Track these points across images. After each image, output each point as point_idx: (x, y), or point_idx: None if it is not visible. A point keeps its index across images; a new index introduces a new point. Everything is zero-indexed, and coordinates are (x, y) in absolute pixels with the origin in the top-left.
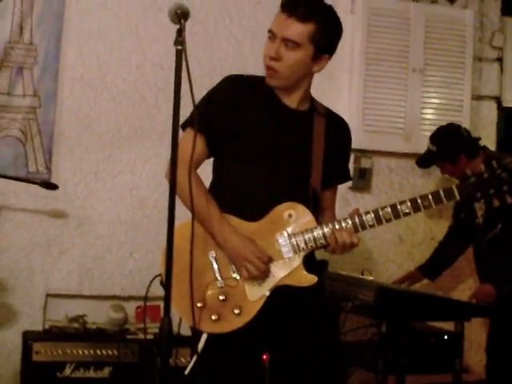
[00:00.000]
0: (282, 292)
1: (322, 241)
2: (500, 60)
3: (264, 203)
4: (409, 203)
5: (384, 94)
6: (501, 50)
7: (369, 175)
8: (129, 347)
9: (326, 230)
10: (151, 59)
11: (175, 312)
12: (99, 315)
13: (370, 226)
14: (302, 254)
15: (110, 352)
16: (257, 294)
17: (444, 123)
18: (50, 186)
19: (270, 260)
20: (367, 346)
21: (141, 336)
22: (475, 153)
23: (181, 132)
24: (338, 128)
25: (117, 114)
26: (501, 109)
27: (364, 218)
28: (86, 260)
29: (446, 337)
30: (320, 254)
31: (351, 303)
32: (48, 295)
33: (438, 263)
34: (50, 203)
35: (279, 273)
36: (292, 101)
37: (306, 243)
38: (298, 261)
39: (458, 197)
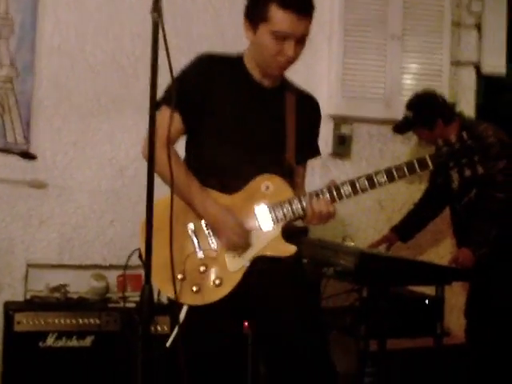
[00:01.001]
0: (261, 262)
1: (300, 211)
2: (478, 26)
3: (240, 177)
4: (384, 173)
5: (363, 61)
6: (479, 15)
7: (349, 142)
8: (111, 316)
9: (303, 200)
10: (129, 28)
11: (154, 284)
12: (81, 284)
13: (347, 197)
14: (281, 224)
15: (91, 321)
16: (237, 265)
17: (423, 88)
18: (29, 156)
19: (249, 229)
20: (348, 311)
21: (123, 305)
22: (451, 118)
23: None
24: (307, 105)
25: (95, 84)
26: (479, 75)
27: (341, 189)
28: (67, 230)
29: (426, 301)
30: (300, 221)
31: (332, 269)
32: (29, 265)
33: (411, 225)
34: (29, 173)
35: (258, 244)
36: (267, 80)
37: (284, 214)
38: (276, 231)
39: (431, 166)
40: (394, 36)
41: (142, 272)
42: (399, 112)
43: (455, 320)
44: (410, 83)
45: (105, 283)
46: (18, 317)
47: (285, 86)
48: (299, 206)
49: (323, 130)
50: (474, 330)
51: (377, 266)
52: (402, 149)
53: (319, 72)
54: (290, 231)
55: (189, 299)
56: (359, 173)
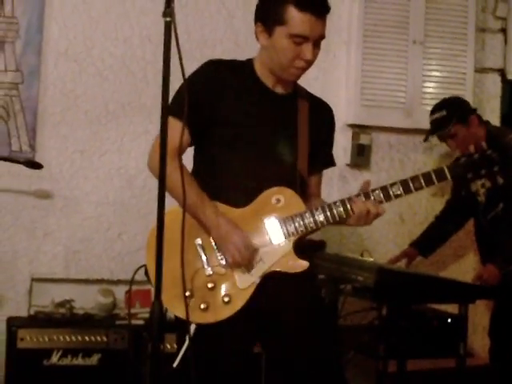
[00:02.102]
0: (272, 279)
1: (313, 225)
2: (504, 31)
3: (251, 189)
4: (400, 185)
5: (383, 68)
6: (504, 20)
7: (368, 152)
8: (118, 333)
9: (316, 214)
10: (139, 32)
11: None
12: (87, 300)
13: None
14: (293, 239)
15: (98, 338)
16: (247, 282)
17: (446, 96)
18: (35, 165)
19: (259, 245)
20: (367, 330)
21: (131, 321)
22: (482, 121)
23: None
24: (321, 112)
25: (103, 90)
26: (505, 81)
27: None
28: (73, 242)
29: (449, 320)
30: (318, 235)
31: (350, 286)
32: (33, 279)
33: (432, 239)
34: (34, 183)
35: (269, 259)
36: (277, 85)
37: (296, 228)
38: (288, 246)
39: (449, 177)
40: (415, 41)
41: (150, 287)
42: (421, 121)
43: (479, 340)
44: (432, 91)
45: (112, 299)
46: (21, 333)
47: (297, 92)
48: (311, 220)
49: (341, 140)
50: (498, 351)
51: (396, 283)
52: (424, 159)
53: (337, 79)
54: (306, 246)
55: (197, 317)
56: (378, 184)
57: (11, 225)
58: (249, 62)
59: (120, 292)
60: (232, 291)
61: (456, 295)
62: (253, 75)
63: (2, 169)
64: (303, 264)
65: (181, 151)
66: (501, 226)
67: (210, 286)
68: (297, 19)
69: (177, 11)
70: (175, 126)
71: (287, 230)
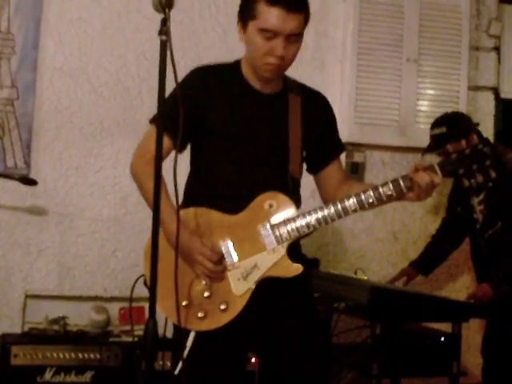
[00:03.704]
0: (268, 285)
1: (305, 229)
2: (497, 49)
3: (243, 195)
4: (390, 184)
5: (377, 85)
6: (498, 38)
7: (361, 170)
8: (112, 350)
9: (308, 217)
10: (134, 49)
11: (160, 313)
12: (80, 317)
13: (353, 211)
14: (286, 244)
15: (92, 355)
16: (242, 288)
17: (440, 115)
18: (29, 181)
19: (220, 259)
20: (360, 348)
21: (124, 339)
22: (481, 136)
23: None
24: (315, 103)
25: (98, 106)
26: (498, 100)
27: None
28: (67, 259)
29: (442, 338)
30: (311, 253)
31: (344, 304)
32: (27, 296)
33: (432, 258)
34: (28, 199)
35: (264, 265)
36: (265, 85)
37: (288, 233)
38: (281, 251)
39: (439, 174)
40: (409, 59)
41: (145, 304)
42: (414, 139)
43: (472, 359)
44: (425, 109)
45: (106, 316)
46: (14, 350)
47: (288, 88)
48: (303, 223)
49: None
50: (491, 370)
51: (390, 302)
52: None
53: (331, 97)
54: (297, 255)
55: (195, 325)
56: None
57: (5, 241)
58: (236, 64)
59: (114, 309)
60: (228, 298)
61: (449, 314)
62: (239, 78)
63: None
64: (297, 268)
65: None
66: (498, 244)
67: (206, 294)
68: (266, 14)
69: (172, 28)
70: (153, 135)
71: (280, 235)
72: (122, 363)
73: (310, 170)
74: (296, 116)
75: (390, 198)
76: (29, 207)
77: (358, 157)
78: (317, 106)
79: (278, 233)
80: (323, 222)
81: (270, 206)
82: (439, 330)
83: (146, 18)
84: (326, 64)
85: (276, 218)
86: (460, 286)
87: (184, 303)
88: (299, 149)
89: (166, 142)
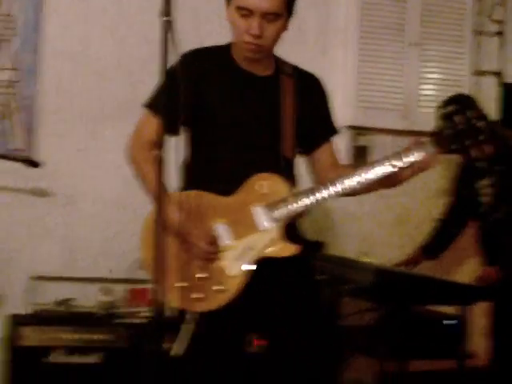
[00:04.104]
0: (263, 265)
1: (298, 209)
2: (500, 34)
3: (236, 177)
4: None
5: (380, 70)
6: (501, 23)
7: (367, 153)
8: (118, 331)
9: (300, 197)
10: (136, 31)
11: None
12: (86, 298)
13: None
14: (280, 224)
15: (99, 337)
16: (238, 269)
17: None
18: (32, 163)
19: (214, 240)
20: (366, 330)
21: (130, 320)
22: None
23: None
24: (308, 85)
25: (100, 89)
26: (502, 84)
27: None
28: (71, 241)
29: (449, 321)
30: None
31: (348, 286)
32: (31, 278)
33: (441, 241)
34: (31, 182)
35: (258, 245)
36: (256, 67)
37: (281, 213)
38: (275, 232)
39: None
40: (412, 43)
41: (149, 286)
42: (418, 122)
43: (479, 341)
44: (429, 93)
45: (111, 297)
46: (22, 331)
47: (280, 70)
48: (296, 203)
49: (340, 142)
50: (498, 352)
51: (395, 284)
52: None
53: (334, 81)
54: (303, 245)
55: (192, 306)
56: None
57: (9, 223)
58: (226, 47)
59: (119, 291)
60: (224, 279)
61: (455, 297)
62: (230, 60)
63: None
64: (292, 248)
65: (152, 141)
66: (504, 228)
67: (202, 275)
68: None
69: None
70: (148, 119)
71: (273, 215)
72: (129, 344)
73: (302, 152)
74: (289, 97)
75: (379, 181)
76: (32, 189)
77: (362, 140)
78: (310, 88)
79: (270, 213)
80: (315, 201)
81: (263, 186)
82: (445, 312)
83: (147, 0)
84: (329, 48)
85: (269, 199)
86: (467, 269)
87: (180, 285)
88: (292, 129)
89: (160, 125)
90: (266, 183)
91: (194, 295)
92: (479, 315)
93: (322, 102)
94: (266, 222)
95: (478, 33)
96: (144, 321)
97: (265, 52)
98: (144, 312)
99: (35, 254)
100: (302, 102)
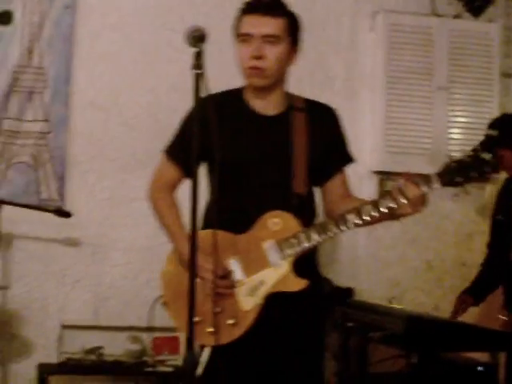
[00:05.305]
0: (274, 300)
1: (307, 244)
2: None
3: (250, 216)
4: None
5: (408, 114)
6: None
7: None
8: (147, 380)
9: (309, 232)
10: (164, 81)
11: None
12: (116, 346)
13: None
14: (290, 259)
15: None
16: (250, 304)
17: (472, 143)
18: (63, 213)
19: (226, 275)
20: (396, 377)
21: (160, 368)
22: None
23: None
24: (320, 116)
25: (130, 138)
26: None
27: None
28: (102, 289)
29: (480, 368)
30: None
31: (379, 333)
32: (63, 326)
33: (484, 286)
34: (63, 231)
35: (269, 280)
36: (267, 106)
37: (291, 248)
38: (286, 267)
39: (437, 184)
40: (440, 87)
41: (178, 334)
42: None
43: None
44: (457, 137)
45: (141, 346)
46: (52, 380)
47: (292, 106)
48: (305, 238)
49: (366, 187)
50: None
51: (427, 331)
52: (451, 206)
53: (361, 126)
54: (334, 292)
55: (206, 340)
56: (405, 232)
57: (41, 272)
58: (239, 90)
59: (149, 339)
60: (237, 314)
61: (487, 343)
62: (241, 102)
63: (31, 217)
64: (300, 283)
65: (169, 185)
66: None
67: (216, 310)
68: (243, 21)
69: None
70: (164, 163)
71: (284, 251)
72: None
73: (315, 183)
74: (300, 133)
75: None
76: (63, 239)
77: (389, 185)
78: (322, 119)
79: (281, 249)
80: (324, 236)
81: (275, 223)
82: (476, 359)
83: (176, 51)
84: (356, 93)
85: (280, 235)
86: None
87: (196, 319)
88: (304, 165)
89: (174, 171)
90: (277, 220)
91: (209, 329)
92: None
93: (334, 131)
94: (277, 257)
95: (507, 75)
96: (171, 369)
97: (268, 78)
98: (173, 360)
99: (67, 303)
100: (314, 134)
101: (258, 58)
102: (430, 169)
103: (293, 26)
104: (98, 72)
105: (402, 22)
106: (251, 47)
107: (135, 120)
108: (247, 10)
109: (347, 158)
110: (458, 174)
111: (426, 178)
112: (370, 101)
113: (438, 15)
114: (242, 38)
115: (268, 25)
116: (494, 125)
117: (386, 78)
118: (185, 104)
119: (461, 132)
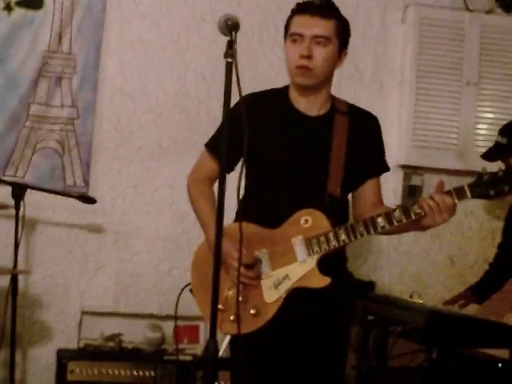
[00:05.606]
0: (297, 294)
1: (335, 243)
2: None
3: (283, 212)
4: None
5: (436, 108)
6: None
7: (419, 193)
8: (166, 368)
9: (339, 232)
10: (193, 70)
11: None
12: (136, 334)
13: (382, 228)
14: (316, 256)
15: (146, 373)
16: (273, 296)
17: None
18: (88, 199)
19: (253, 264)
20: (416, 372)
21: (179, 357)
22: None
23: None
24: (362, 123)
25: (157, 126)
26: None
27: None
28: (123, 277)
29: (499, 365)
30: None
31: (400, 327)
32: (83, 312)
33: (490, 285)
34: (87, 217)
35: (294, 276)
36: (310, 106)
37: (319, 246)
38: (311, 263)
39: (469, 196)
40: (469, 82)
41: (199, 323)
42: (473, 163)
43: None
44: (485, 133)
45: (160, 334)
46: (71, 365)
47: (336, 109)
48: (333, 238)
49: (392, 181)
50: None
51: (447, 326)
52: (476, 202)
53: (389, 119)
54: (355, 285)
55: (228, 328)
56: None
57: (63, 258)
58: (284, 89)
59: (169, 327)
60: (260, 305)
61: (507, 340)
62: (286, 102)
63: (56, 203)
64: (324, 280)
65: (209, 177)
66: None
67: (240, 299)
68: (294, 21)
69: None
70: (205, 156)
71: (311, 248)
72: (177, 381)
73: (348, 188)
74: (341, 136)
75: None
76: (87, 225)
77: (415, 180)
78: (364, 126)
79: (309, 246)
80: (353, 237)
81: (306, 221)
82: (496, 356)
83: (205, 40)
84: (385, 87)
85: (309, 232)
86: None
87: (220, 307)
88: (340, 167)
89: (214, 165)
90: (308, 218)
91: (231, 317)
92: None
93: (374, 138)
94: (305, 253)
95: None
96: (190, 358)
97: (315, 77)
98: (192, 349)
99: (88, 289)
100: (354, 139)
101: (307, 57)
102: (457, 164)
103: (342, 29)
104: (126, 59)
105: (433, 15)
106: (301, 47)
107: (162, 108)
108: (299, 10)
109: (383, 167)
110: (490, 187)
111: (457, 189)
112: (398, 94)
113: (470, 10)
114: (293, 37)
115: (318, 26)
116: (503, 132)
117: (415, 72)
118: (212, 93)
119: (488, 128)
